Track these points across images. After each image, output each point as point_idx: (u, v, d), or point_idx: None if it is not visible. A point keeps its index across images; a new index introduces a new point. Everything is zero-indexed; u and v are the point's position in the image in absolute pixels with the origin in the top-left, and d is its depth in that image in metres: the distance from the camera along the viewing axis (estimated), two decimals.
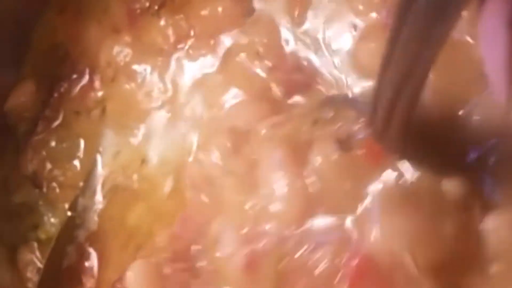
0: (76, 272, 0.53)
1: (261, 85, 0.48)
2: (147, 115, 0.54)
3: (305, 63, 0.48)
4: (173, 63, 0.54)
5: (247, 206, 0.42)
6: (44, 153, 0.58)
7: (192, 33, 0.53)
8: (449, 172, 0.37)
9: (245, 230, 0.41)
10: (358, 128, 0.38)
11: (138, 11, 0.56)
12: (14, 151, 0.60)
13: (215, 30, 0.52)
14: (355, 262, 0.37)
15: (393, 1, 0.42)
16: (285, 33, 0.50)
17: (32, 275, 0.56)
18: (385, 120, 0.34)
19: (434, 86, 0.38)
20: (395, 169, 0.37)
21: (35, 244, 0.57)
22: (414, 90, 0.31)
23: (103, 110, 0.56)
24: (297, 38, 0.49)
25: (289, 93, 0.47)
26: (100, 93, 0.57)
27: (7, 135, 0.60)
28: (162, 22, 0.54)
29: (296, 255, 0.39)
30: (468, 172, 0.37)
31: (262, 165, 0.42)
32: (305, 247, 0.39)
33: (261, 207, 0.41)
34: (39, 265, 0.56)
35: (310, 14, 0.49)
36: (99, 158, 0.56)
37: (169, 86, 0.53)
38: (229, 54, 0.51)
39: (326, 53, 0.48)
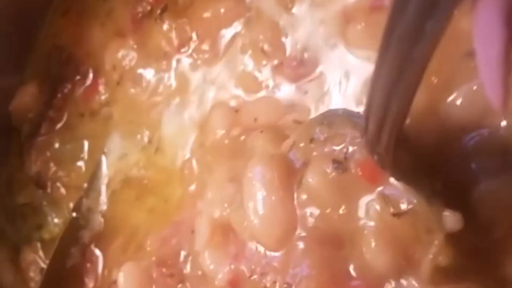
0: (79, 272, 0.54)
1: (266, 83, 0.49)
2: (153, 119, 0.54)
3: (305, 55, 0.48)
4: (177, 66, 0.54)
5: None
6: (48, 154, 0.59)
7: (195, 36, 0.53)
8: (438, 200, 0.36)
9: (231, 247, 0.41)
10: (355, 148, 0.37)
11: (140, 15, 0.56)
12: (18, 152, 0.60)
13: (218, 32, 0.52)
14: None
15: None
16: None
17: (34, 275, 0.57)
18: (376, 132, 0.33)
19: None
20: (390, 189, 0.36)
21: (39, 244, 0.57)
22: (405, 95, 0.31)
23: (108, 113, 0.57)
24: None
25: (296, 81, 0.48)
26: (104, 96, 0.57)
27: (11, 136, 0.61)
28: (166, 26, 0.54)
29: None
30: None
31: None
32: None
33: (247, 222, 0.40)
34: (42, 265, 0.56)
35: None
36: (103, 160, 0.56)
37: (174, 89, 0.54)
38: (233, 53, 0.51)
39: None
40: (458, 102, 0.40)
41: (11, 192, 0.59)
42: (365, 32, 0.45)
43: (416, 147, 0.38)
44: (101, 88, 0.57)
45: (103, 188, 0.55)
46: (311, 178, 0.38)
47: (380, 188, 0.36)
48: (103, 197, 0.55)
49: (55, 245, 0.55)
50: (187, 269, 0.46)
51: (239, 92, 0.50)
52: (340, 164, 0.37)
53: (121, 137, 0.56)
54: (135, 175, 0.54)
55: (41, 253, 0.57)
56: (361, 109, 0.42)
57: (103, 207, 0.55)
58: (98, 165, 0.56)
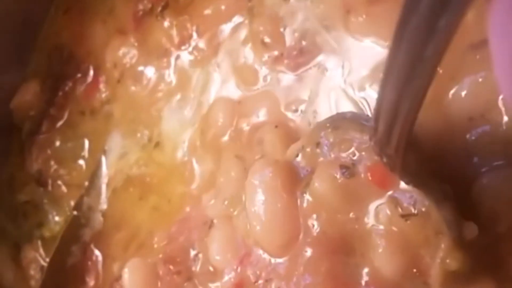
0: (80, 271, 0.54)
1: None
2: (153, 116, 0.54)
3: (304, 42, 0.48)
4: (178, 63, 0.54)
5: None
6: (49, 152, 0.59)
7: (195, 33, 0.53)
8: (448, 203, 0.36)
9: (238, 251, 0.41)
10: (362, 154, 0.37)
11: (141, 12, 0.56)
12: (19, 150, 0.60)
13: (218, 28, 0.52)
14: None
15: None
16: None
17: (35, 273, 0.57)
18: (386, 133, 0.33)
19: None
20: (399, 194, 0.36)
21: (39, 242, 0.57)
22: (417, 94, 0.31)
23: (109, 111, 0.57)
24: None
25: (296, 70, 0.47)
26: (105, 94, 0.57)
27: (12, 134, 0.61)
28: (167, 23, 0.54)
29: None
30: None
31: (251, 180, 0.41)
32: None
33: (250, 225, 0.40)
34: (43, 263, 0.56)
35: None
36: (104, 158, 0.56)
37: (175, 85, 0.53)
38: (234, 47, 0.51)
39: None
40: (463, 93, 0.39)
41: (12, 190, 0.60)
42: (366, 22, 0.44)
43: (420, 141, 0.38)
44: (102, 86, 0.57)
45: (104, 187, 0.55)
46: (318, 184, 0.38)
47: (390, 192, 0.36)
48: (104, 196, 0.55)
49: (56, 243, 0.55)
50: (197, 266, 0.46)
51: (241, 85, 0.50)
52: (348, 169, 0.37)
53: (121, 135, 0.56)
54: (136, 173, 0.54)
55: (42, 251, 0.57)
56: (361, 94, 0.43)
57: (104, 205, 0.55)
58: (98, 163, 0.56)
